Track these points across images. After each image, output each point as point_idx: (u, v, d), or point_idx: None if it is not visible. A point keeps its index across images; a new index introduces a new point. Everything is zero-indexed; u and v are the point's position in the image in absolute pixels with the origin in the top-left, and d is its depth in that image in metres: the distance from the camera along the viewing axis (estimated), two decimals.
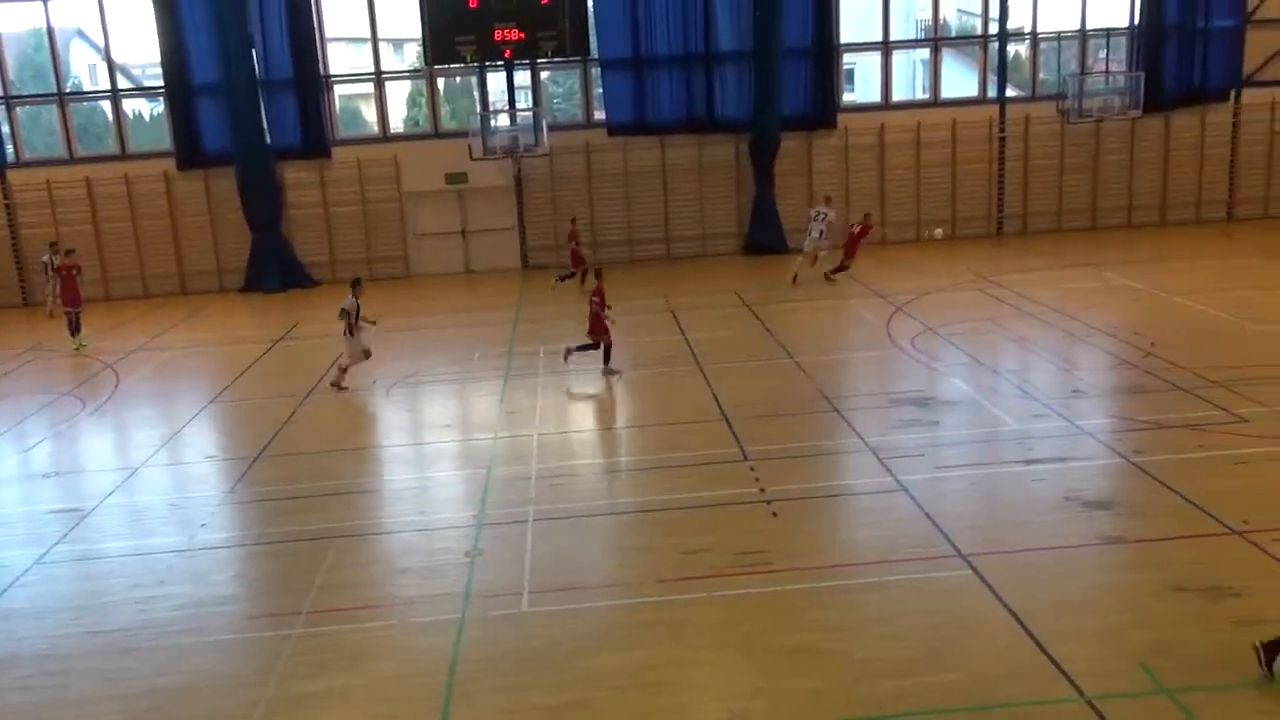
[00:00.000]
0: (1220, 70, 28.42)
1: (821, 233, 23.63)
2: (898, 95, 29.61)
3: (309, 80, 27.58)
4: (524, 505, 11.72)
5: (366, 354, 17.04)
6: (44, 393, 18.37)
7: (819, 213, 24.00)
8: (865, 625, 8.77)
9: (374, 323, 17.49)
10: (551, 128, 28.11)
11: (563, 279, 24.74)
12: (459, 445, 14.31)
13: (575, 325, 21.07)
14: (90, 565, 10.97)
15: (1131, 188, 29.11)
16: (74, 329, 21.93)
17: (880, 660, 8.19)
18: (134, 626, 9.43)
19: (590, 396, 16.59)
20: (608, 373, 16.89)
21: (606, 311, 16.70)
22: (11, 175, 27.80)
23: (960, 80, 29.82)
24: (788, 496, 11.44)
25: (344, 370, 17.10)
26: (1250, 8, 28.15)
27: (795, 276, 23.66)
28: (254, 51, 26.92)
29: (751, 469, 12.31)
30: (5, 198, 27.81)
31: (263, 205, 27.46)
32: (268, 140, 27.38)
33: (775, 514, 11.06)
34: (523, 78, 28.47)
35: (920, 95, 30.60)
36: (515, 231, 28.94)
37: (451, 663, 8.47)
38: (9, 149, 27.93)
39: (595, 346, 17.00)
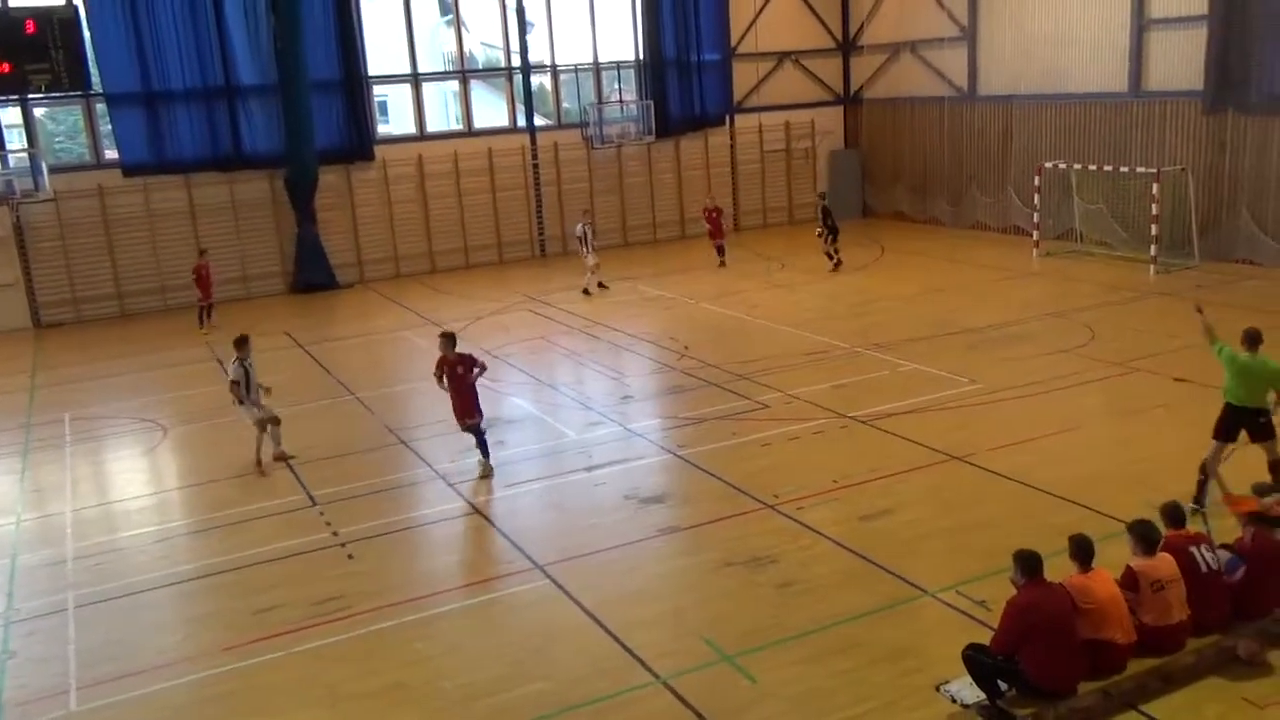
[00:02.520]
0: (715, 98, 31.87)
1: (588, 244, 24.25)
2: (432, 126, 30.04)
3: None
4: (61, 592, 10.44)
5: (273, 423, 14.02)
6: None
7: (582, 226, 24.54)
8: (453, 651, 8.81)
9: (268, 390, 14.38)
10: (54, 169, 25.25)
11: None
12: None
13: (106, 384, 19.15)
14: None
15: (654, 205, 31.76)
16: None
17: (472, 682, 8.28)
18: None
19: (131, 460, 15.11)
20: None
21: None
22: None
23: (492, 110, 30.89)
24: (362, 535, 11.20)
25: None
26: (733, 43, 31.84)
27: (590, 287, 24.12)
28: None
29: (321, 513, 11.90)
30: None
31: None
32: None
33: (350, 556, 10.78)
34: (12, 115, 25.34)
35: (455, 125, 31.27)
36: (21, 287, 25.62)
37: None
38: None
39: None
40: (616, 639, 8.76)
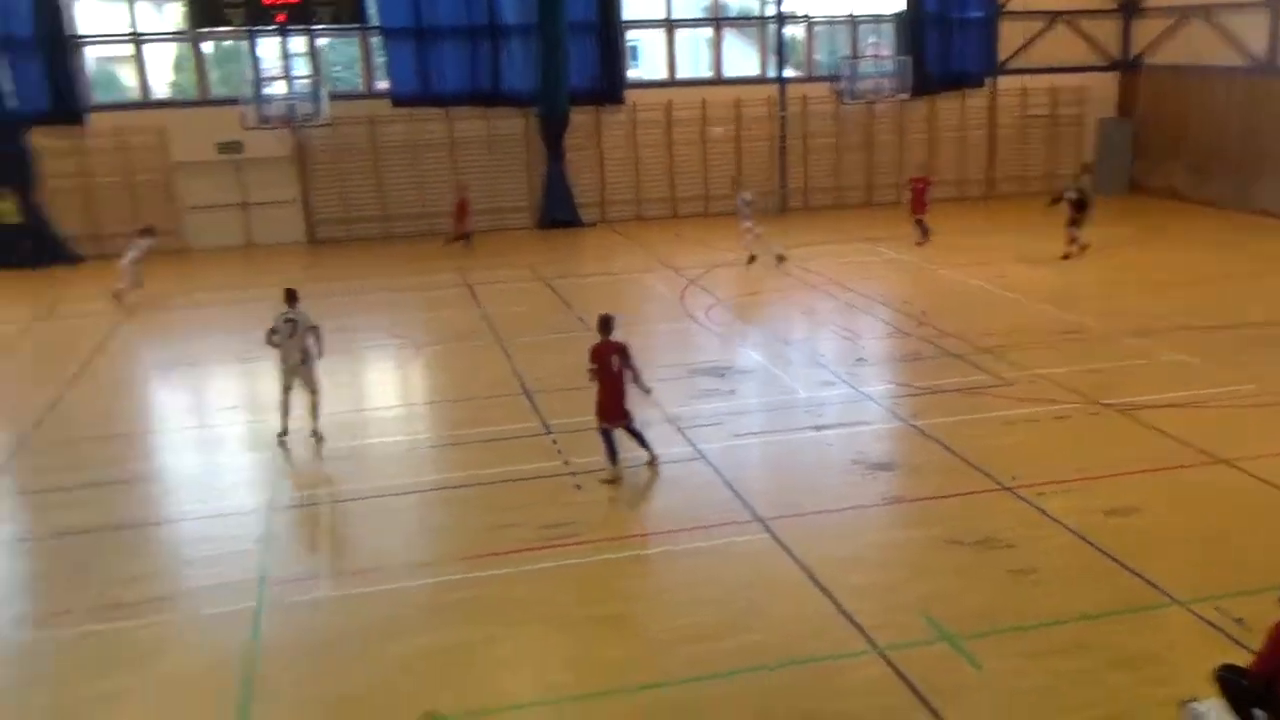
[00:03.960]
0: (977, 57, 30.40)
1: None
2: (682, 72, 30.13)
3: (55, 39, 25.38)
4: (320, 487, 11.31)
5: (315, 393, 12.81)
6: None
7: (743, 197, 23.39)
8: (670, 591, 8.96)
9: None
10: (333, 97, 27.00)
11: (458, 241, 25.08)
12: (247, 428, 13.60)
13: (366, 300, 20.47)
14: None
15: (902, 166, 30.78)
16: None
17: (685, 625, 8.39)
18: None
19: (386, 373, 16.15)
20: None
21: None
22: None
23: (743, 59, 30.65)
24: (592, 469, 11.50)
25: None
26: (1001, 1, 30.20)
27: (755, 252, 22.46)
28: None
29: (554, 442, 12.31)
30: None
31: (7, 175, 25.11)
32: (13, 104, 25.06)
33: (579, 486, 11.12)
34: (300, 44, 27.21)
35: (705, 73, 31.24)
36: (299, 204, 27.71)
37: (248, 654, 8.09)
38: None
39: None
40: (834, 601, 8.66)
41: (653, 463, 11.52)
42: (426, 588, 9.12)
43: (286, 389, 12.62)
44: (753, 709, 7.33)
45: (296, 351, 12.46)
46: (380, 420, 13.90)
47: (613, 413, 11.29)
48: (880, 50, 30.51)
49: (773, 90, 29.69)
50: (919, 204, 24.18)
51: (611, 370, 11.17)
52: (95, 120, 26.11)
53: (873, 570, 9.28)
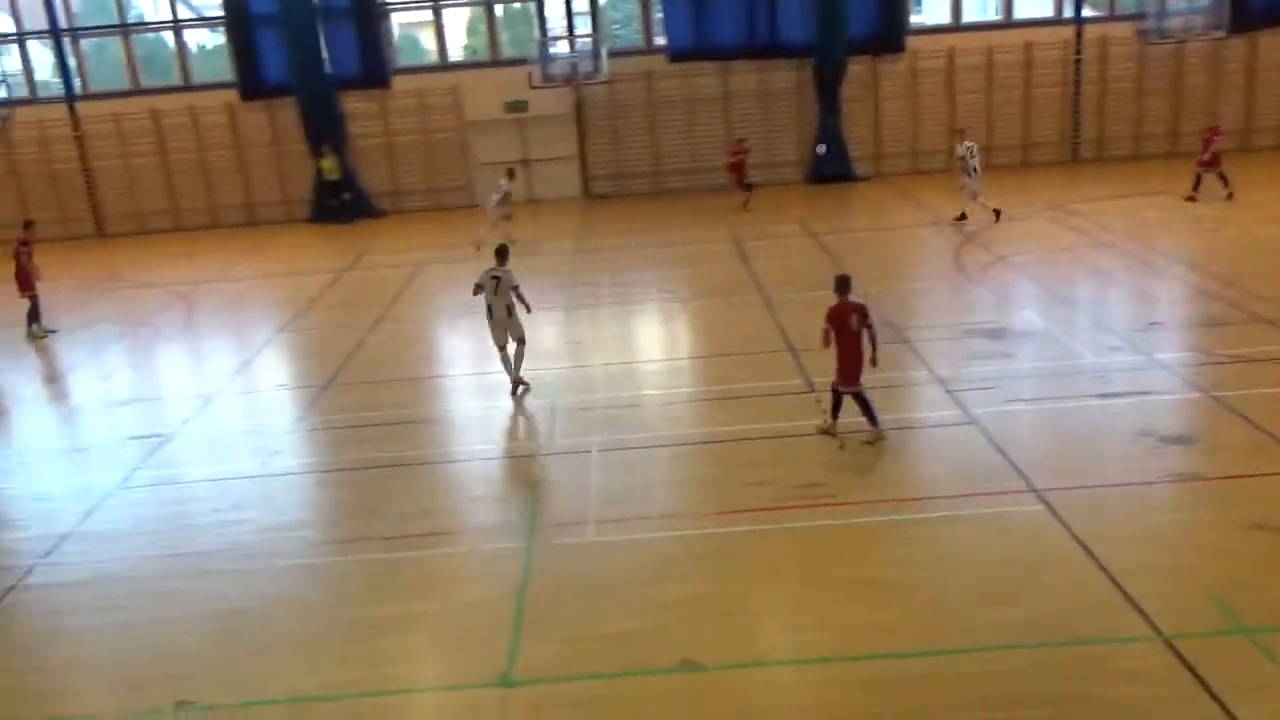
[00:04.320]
0: None
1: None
2: (968, 16, 28.65)
3: (366, 8, 27.41)
4: (589, 435, 11.76)
5: (521, 341, 13.33)
6: (120, 323, 18.78)
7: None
8: (934, 560, 8.69)
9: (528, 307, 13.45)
10: (611, 54, 27.70)
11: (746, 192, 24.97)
12: (525, 375, 14.32)
13: (637, 254, 20.97)
14: (169, 490, 11.25)
15: (1214, 112, 27.97)
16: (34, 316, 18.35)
17: (948, 594, 8.12)
18: (211, 550, 9.67)
19: (653, 327, 16.55)
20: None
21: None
22: (80, 108, 28.16)
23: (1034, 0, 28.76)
24: (855, 429, 11.30)
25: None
26: None
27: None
28: None
29: (818, 401, 12.18)
30: (75, 129, 28.20)
31: (323, 136, 27.50)
32: (327, 70, 27.34)
33: (842, 447, 10.96)
34: (582, 3, 28.01)
35: (992, 16, 29.56)
36: (576, 160, 28.73)
37: (519, 591, 8.57)
38: (76, 81, 28.25)
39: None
40: (1114, 580, 8.11)
41: (875, 440, 10.93)
42: (684, 538, 9.31)
43: (500, 346, 13.17)
44: (1016, 686, 7.01)
45: (502, 307, 12.97)
46: (646, 373, 14.27)
47: (851, 376, 10.90)
48: None
49: (1068, 32, 27.74)
50: (1210, 156, 21.81)
51: (850, 331, 10.76)
52: (397, 83, 28.07)
53: (1159, 551, 8.61)
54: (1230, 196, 21.42)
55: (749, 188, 24.83)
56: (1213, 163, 21.84)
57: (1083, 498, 9.50)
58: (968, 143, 21.31)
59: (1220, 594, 7.82)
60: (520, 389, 13.27)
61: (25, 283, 17.90)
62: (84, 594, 9.07)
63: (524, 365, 13.36)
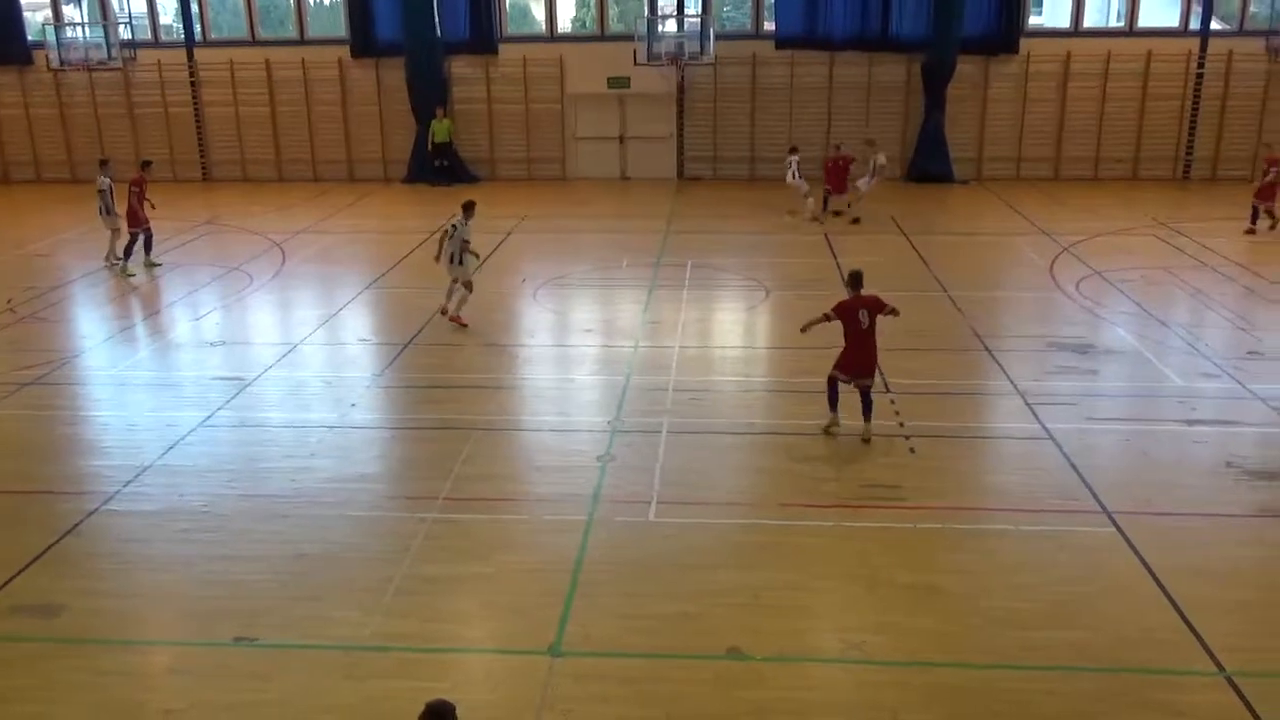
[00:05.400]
0: None
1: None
2: (1089, 21, 27.82)
3: None
4: (659, 416, 11.79)
5: (468, 287, 15.23)
6: (216, 266, 19.35)
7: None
8: (997, 572, 8.55)
9: (477, 256, 15.80)
10: (718, 36, 27.53)
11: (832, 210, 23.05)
12: (600, 350, 14.44)
13: (726, 240, 20.89)
14: (248, 432, 11.60)
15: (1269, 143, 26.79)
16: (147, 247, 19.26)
17: (1009, 609, 7.98)
18: (283, 494, 9.95)
19: (734, 314, 16.49)
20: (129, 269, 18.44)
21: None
22: (198, 54, 28.96)
23: (1161, 8, 27.79)
24: (927, 433, 11.16)
25: (462, 303, 15.33)
26: None
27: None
28: None
29: (892, 401, 12.04)
30: (191, 76, 29.03)
31: (428, 99, 27.85)
32: (438, 33, 27.66)
33: (913, 450, 10.83)
34: None
35: (1114, 23, 28.66)
36: (673, 141, 28.67)
37: (576, 563, 8.66)
38: (196, 28, 29.04)
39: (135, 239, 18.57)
40: (1180, 612, 7.89)
41: (867, 440, 10.91)
42: (744, 527, 9.29)
43: (452, 280, 15.27)
44: (1069, 710, 6.88)
45: (448, 254, 15.08)
46: (722, 359, 14.24)
47: (859, 368, 10.97)
48: None
49: (1192, 44, 26.78)
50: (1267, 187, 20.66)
51: (860, 326, 10.85)
52: (504, 51, 28.28)
53: (1233, 586, 8.34)
54: (1272, 227, 20.49)
55: (827, 198, 22.81)
56: (1265, 195, 20.69)
57: (1157, 524, 9.25)
58: (882, 157, 22.18)
59: None
60: (451, 323, 15.15)
61: (132, 218, 18.65)
62: (159, 525, 9.42)
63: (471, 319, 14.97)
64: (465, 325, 15.14)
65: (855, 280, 11.16)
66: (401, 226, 22.82)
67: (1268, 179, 20.70)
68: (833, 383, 11.17)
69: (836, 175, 22.64)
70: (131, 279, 18.44)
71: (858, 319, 10.90)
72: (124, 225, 18.83)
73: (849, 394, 11.18)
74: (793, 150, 23.28)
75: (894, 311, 11.05)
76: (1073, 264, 18.52)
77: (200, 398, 12.55)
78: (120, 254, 18.89)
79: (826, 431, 11.19)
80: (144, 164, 19.70)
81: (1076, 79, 27.20)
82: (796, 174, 22.60)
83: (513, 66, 28.33)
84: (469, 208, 15.23)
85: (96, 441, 11.54)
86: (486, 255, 18.15)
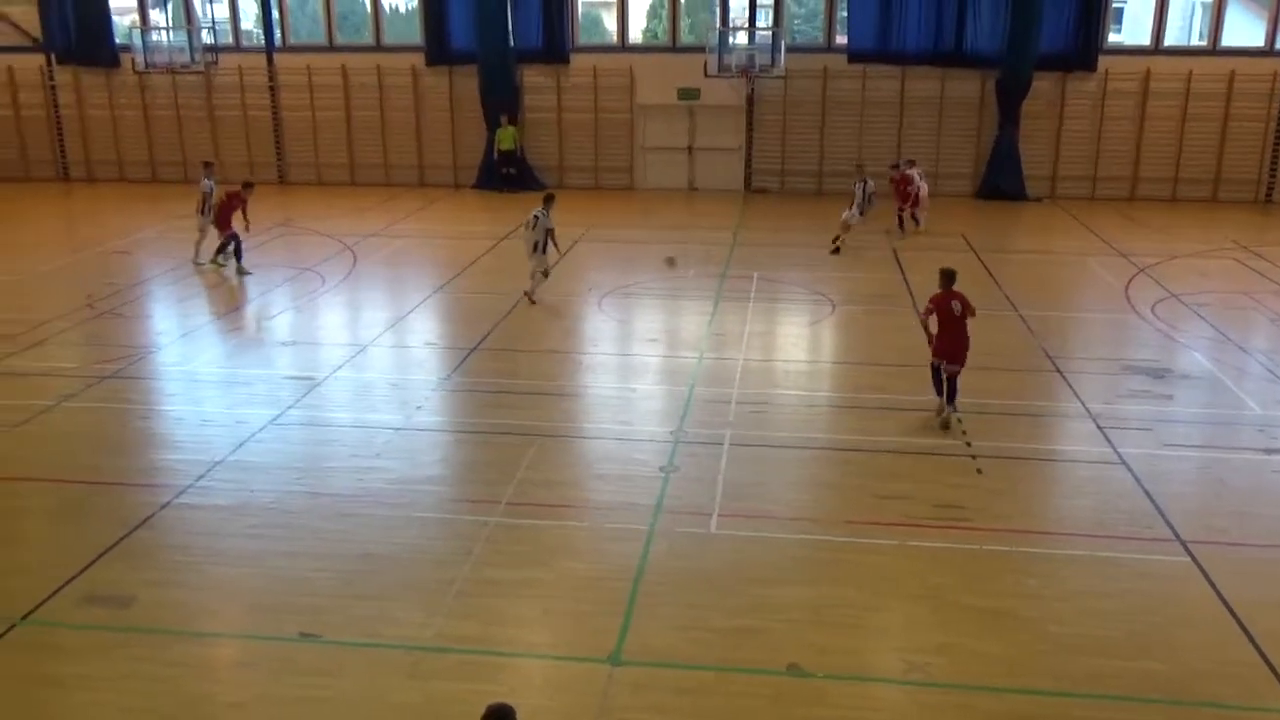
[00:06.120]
0: None
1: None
2: (1170, 39, 27.25)
3: None
4: (722, 428, 11.74)
5: (545, 274, 16.71)
6: (289, 267, 19.71)
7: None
8: (1066, 598, 8.37)
9: (558, 249, 17.15)
10: (790, 49, 27.45)
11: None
12: (664, 360, 14.44)
13: (792, 253, 20.77)
14: (317, 431, 11.78)
15: None
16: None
17: (1078, 636, 7.81)
18: (350, 493, 10.09)
19: (799, 327, 16.39)
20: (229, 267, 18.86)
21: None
22: (278, 59, 29.57)
23: (1245, 27, 27.14)
24: (995, 454, 10.99)
25: (537, 286, 16.77)
26: None
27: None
28: None
29: (959, 420, 11.86)
30: (271, 80, 29.65)
31: (500, 106, 28.13)
32: (511, 42, 27.93)
33: (980, 470, 10.66)
34: None
35: (1196, 41, 28.05)
36: (741, 153, 28.62)
37: (637, 572, 8.65)
38: (276, 34, 29.67)
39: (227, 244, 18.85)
40: (1256, 646, 7.66)
41: (946, 420, 11.74)
42: (807, 543, 9.21)
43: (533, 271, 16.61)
44: None
45: (531, 242, 16.43)
46: (787, 372, 14.15)
47: (951, 353, 11.72)
48: None
49: (1277, 64, 26.13)
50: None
51: (954, 316, 11.68)
52: (575, 60, 28.48)
53: None
54: None
55: (900, 218, 22.57)
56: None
57: (1233, 555, 9.00)
58: (872, 184, 21.22)
59: None
60: (529, 302, 16.62)
61: (223, 223, 19.07)
62: (229, 520, 9.59)
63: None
64: (534, 303, 16.63)
65: (949, 277, 11.88)
66: (469, 232, 23.06)
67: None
68: (935, 370, 11.92)
69: (900, 191, 22.47)
70: (223, 269, 18.92)
71: (950, 309, 11.68)
72: (214, 230, 19.23)
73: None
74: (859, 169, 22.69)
75: (973, 312, 11.84)
76: (1149, 286, 18.13)
77: (271, 396, 12.78)
78: (202, 258, 19.32)
79: (939, 416, 11.78)
80: (246, 184, 20.16)
81: (1156, 98, 26.66)
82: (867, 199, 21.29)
83: (584, 76, 28.51)
84: (549, 199, 16.62)
85: (169, 436, 11.81)
86: (554, 263, 18.25)
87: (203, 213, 19.41)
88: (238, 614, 8.22)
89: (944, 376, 11.81)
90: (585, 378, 13.87)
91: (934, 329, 11.77)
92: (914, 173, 22.61)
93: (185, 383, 13.56)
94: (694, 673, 7.38)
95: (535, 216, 16.38)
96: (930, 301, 11.85)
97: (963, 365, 11.76)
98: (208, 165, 20.14)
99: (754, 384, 13.32)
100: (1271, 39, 26.44)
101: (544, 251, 16.48)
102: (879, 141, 27.50)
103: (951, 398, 11.82)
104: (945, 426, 11.65)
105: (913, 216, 22.75)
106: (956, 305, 11.67)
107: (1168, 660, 7.53)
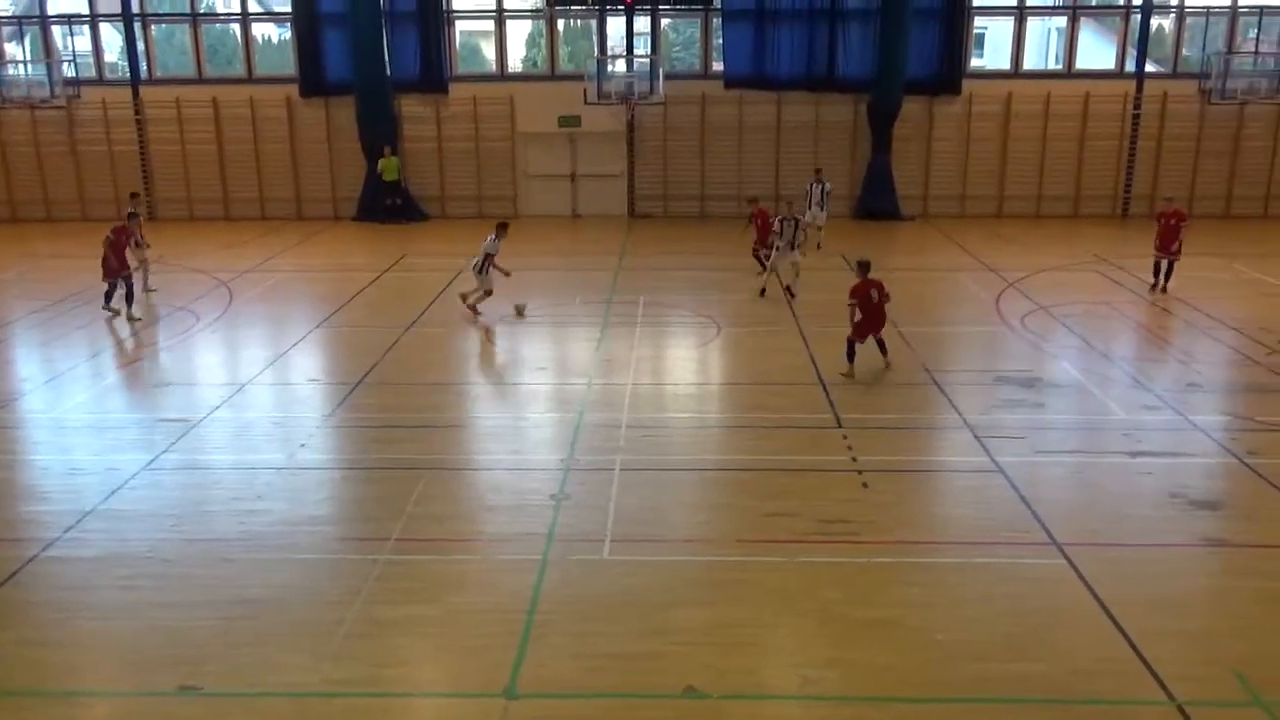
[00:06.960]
0: None
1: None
2: (1029, 64, 28.53)
3: (431, 14, 27.73)
4: (612, 454, 11.75)
5: (488, 292, 17.72)
6: (162, 305, 19.04)
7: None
8: (949, 605, 8.59)
9: (507, 274, 17.74)
10: (668, 76, 27.86)
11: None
12: (553, 388, 14.39)
13: (676, 276, 20.97)
14: (194, 475, 11.36)
15: (1272, 176, 27.63)
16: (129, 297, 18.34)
17: (961, 642, 8.01)
18: (230, 538, 9.75)
19: (686, 350, 16.53)
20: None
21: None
22: (144, 92, 28.68)
23: (1096, 51, 28.60)
24: (879, 468, 11.24)
25: (478, 300, 17.95)
26: None
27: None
28: None
29: (844, 436, 12.12)
30: (137, 113, 28.72)
31: (378, 137, 27.80)
32: (388, 72, 27.67)
33: (865, 484, 10.89)
34: (643, 24, 28.22)
35: (1053, 65, 29.43)
36: (624, 178, 28.85)
37: (531, 603, 8.56)
38: (142, 66, 28.78)
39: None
40: (1130, 642, 7.98)
41: (888, 367, 14.31)
42: (700, 564, 9.26)
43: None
44: None
45: (473, 262, 17.72)
46: (675, 396, 14.25)
47: (872, 330, 14.11)
48: (1261, 46, 27.51)
49: (1128, 86, 27.58)
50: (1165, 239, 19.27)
51: (872, 302, 13.88)
52: (454, 90, 28.36)
53: (1181, 616, 8.45)
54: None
55: (756, 255, 21.07)
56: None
57: (1106, 556, 9.36)
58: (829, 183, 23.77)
59: (1240, 665, 7.66)
60: (466, 310, 17.86)
61: (119, 263, 17.98)
62: (101, 571, 9.17)
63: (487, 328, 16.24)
64: (478, 315, 17.74)
65: (864, 267, 14.09)
66: (350, 264, 22.67)
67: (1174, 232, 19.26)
68: (850, 344, 14.12)
69: (760, 228, 21.07)
70: (117, 315, 17.96)
71: (869, 296, 13.82)
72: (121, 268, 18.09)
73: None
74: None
75: (888, 297, 13.99)
76: (1018, 299, 18.85)
77: (144, 440, 12.30)
78: (114, 303, 18.11)
79: (845, 376, 13.98)
80: (131, 214, 19.32)
81: (1018, 119, 27.86)
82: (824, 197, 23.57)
83: (463, 105, 28.41)
84: (502, 227, 17.98)
85: (36, 486, 11.25)
86: (435, 296, 18.13)
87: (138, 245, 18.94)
88: (112, 670, 7.84)
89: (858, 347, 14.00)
90: (473, 408, 13.73)
91: (858, 317, 13.83)
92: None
93: (52, 430, 12.96)
94: (591, 701, 7.32)
95: (490, 239, 17.73)
96: (851, 293, 13.82)
97: (881, 329, 14.19)
98: (134, 196, 19.57)
99: (643, 408, 13.37)
100: (1121, 62, 27.91)
101: (485, 272, 17.53)
102: (757, 164, 28.05)
103: (885, 351, 14.35)
104: (887, 368, 14.33)
105: (759, 256, 21.03)
106: (874, 293, 13.73)
107: (1047, 660, 7.78)
